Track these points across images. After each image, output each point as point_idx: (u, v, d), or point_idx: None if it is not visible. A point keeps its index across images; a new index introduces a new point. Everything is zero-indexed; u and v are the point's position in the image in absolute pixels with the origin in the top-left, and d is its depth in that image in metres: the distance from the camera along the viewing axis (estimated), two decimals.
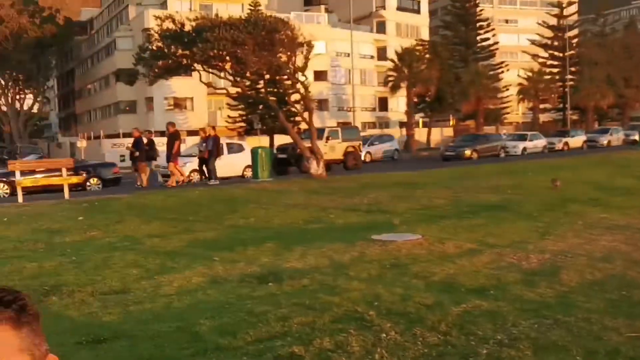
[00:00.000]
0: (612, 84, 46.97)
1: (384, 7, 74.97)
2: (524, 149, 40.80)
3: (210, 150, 21.40)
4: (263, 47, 19.62)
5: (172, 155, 20.87)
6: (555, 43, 73.47)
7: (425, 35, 76.39)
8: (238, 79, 22.67)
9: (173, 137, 21.03)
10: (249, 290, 6.75)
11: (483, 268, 7.58)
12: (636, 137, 44.44)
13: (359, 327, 5.36)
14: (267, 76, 26.45)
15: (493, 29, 77.52)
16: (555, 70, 71.18)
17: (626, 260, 7.90)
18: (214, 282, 7.24)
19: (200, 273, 7.68)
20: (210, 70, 22.85)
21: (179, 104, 59.95)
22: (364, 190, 17.46)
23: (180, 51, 21.62)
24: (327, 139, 30.37)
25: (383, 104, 73.77)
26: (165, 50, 21.87)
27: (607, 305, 6.01)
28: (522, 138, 43.27)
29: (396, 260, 8.08)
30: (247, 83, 42.20)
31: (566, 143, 44.96)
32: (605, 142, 47.42)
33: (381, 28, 74.82)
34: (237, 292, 6.73)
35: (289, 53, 20.49)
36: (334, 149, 30.34)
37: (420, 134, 65.12)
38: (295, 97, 27.18)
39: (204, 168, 22.16)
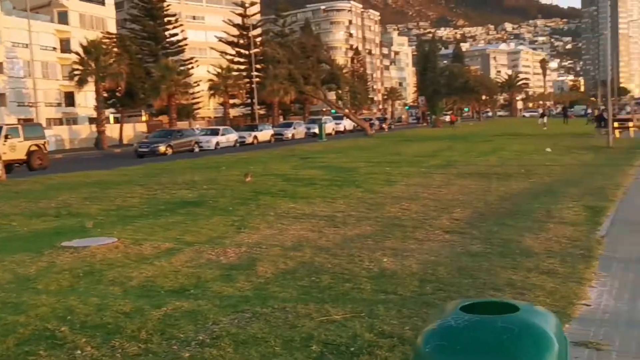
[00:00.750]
0: (294, 81, 50.59)
1: None
2: (217, 143, 41.82)
3: None
4: None
5: None
6: (241, 41, 76.74)
7: (112, 28, 74.07)
8: None
9: None
10: None
11: (182, 267, 7.49)
12: (316, 130, 48.43)
13: (49, 347, 4.90)
14: None
15: (181, 25, 78.12)
16: (242, 67, 74.37)
17: (313, 247, 8.46)
18: None
19: None
20: None
21: None
22: (52, 192, 16.24)
23: None
24: (6, 137, 27.74)
25: (70, 99, 69.75)
26: None
27: (300, 292, 6.35)
28: (215, 133, 44.29)
29: (90, 267, 7.60)
30: None
31: (255, 137, 47.20)
32: (290, 135, 50.89)
33: (63, 18, 70.56)
34: None
35: None
36: (14, 148, 27.81)
37: (112, 130, 62.92)
38: None
39: None
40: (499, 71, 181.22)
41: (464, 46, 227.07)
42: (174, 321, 5.45)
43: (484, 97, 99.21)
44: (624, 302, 6.07)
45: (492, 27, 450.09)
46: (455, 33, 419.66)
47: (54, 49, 68.25)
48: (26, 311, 5.83)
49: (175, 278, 6.99)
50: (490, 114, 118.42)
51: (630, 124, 38.82)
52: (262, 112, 77.14)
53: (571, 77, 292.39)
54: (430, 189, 14.60)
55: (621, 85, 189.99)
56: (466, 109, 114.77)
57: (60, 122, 67.54)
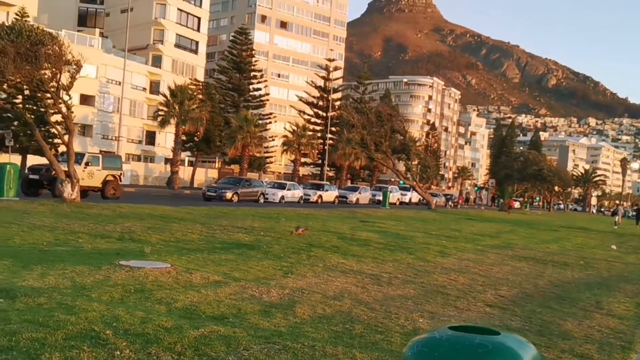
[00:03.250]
0: (365, 147, 51.39)
1: (162, 42, 74.54)
2: (282, 197, 42.63)
3: None
4: (26, 59, 18.46)
5: None
6: (320, 103, 78.65)
7: (200, 75, 77.22)
8: None
9: None
10: None
11: (226, 298, 7.85)
12: (381, 198, 48.74)
13: (93, 345, 5.29)
14: (28, 91, 24.74)
15: (266, 81, 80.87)
16: (318, 127, 75.97)
17: (354, 299, 8.70)
18: None
19: None
20: None
21: None
22: (119, 219, 17.03)
23: None
24: (87, 164, 29.14)
25: (151, 137, 72.60)
26: None
27: (331, 336, 6.60)
28: (282, 187, 45.22)
29: (141, 285, 8.06)
30: (3, 96, 39.23)
31: (320, 196, 47.88)
32: (354, 199, 51.32)
33: (157, 62, 74.15)
34: None
35: (54, 69, 19.48)
36: (92, 175, 29.14)
37: (185, 172, 65.00)
38: (56, 118, 25.73)
39: None
40: (576, 165, 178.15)
41: (543, 135, 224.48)
42: (208, 341, 5.78)
43: (557, 188, 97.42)
44: None
45: (574, 120, 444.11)
46: (536, 121, 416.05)
47: (144, 89, 71.57)
48: (77, 313, 6.28)
49: (218, 306, 7.35)
50: (562, 206, 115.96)
51: None
52: (331, 173, 78.15)
53: None
54: (482, 265, 14.61)
55: None
56: (537, 199, 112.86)
57: (138, 158, 70.24)
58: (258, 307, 7.58)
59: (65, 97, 21.04)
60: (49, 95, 20.85)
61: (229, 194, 37.44)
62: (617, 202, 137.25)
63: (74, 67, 20.00)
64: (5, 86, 33.87)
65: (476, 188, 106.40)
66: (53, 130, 25.76)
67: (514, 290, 11.29)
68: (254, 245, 13.66)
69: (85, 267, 8.88)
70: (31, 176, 28.02)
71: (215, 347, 5.64)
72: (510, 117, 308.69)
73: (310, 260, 12.16)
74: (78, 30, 66.70)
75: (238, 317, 6.96)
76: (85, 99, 62.79)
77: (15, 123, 42.30)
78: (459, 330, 2.43)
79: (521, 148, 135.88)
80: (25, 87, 22.32)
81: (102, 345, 5.34)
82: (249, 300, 7.93)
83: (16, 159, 44.23)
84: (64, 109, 20.81)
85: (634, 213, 73.53)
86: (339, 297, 8.79)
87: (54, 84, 20.15)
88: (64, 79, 20.63)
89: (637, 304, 11.06)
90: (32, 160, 40.75)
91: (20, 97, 41.52)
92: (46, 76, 19.94)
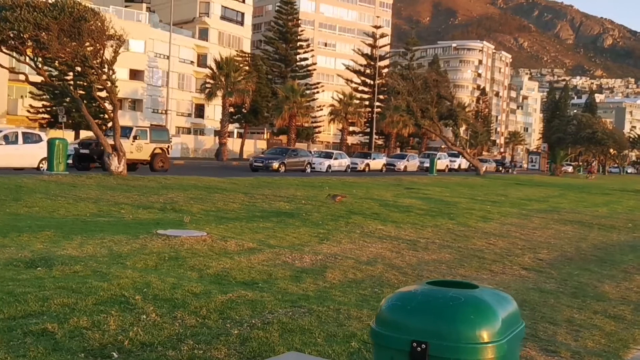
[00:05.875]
0: (411, 114, 50.88)
1: (207, 15, 74.91)
2: (329, 166, 42.70)
3: None
4: (69, 35, 18.83)
5: None
6: (368, 71, 77.99)
7: (246, 47, 77.43)
8: (40, 65, 21.43)
9: None
10: (14, 274, 6.56)
11: (258, 264, 7.98)
12: (428, 165, 48.38)
13: (121, 310, 5.48)
14: (79, 69, 25.26)
15: (312, 50, 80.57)
16: (365, 96, 75.51)
17: (386, 264, 8.73)
18: None
19: None
20: (8, 52, 21.35)
21: None
22: (163, 190, 17.37)
23: None
24: (135, 138, 29.71)
25: (200, 110, 73.46)
26: None
27: (359, 299, 6.66)
28: (328, 156, 45.28)
29: (176, 253, 8.25)
30: (55, 73, 40.19)
31: (367, 164, 47.78)
32: (402, 167, 51.06)
33: (203, 35, 74.64)
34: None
35: (97, 45, 19.81)
36: (140, 148, 29.71)
37: (233, 144, 65.66)
38: (103, 94, 26.22)
39: None
40: (634, 126, 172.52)
41: (599, 97, 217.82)
42: (234, 305, 5.91)
43: (612, 151, 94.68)
44: None
45: (632, 80, 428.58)
46: (592, 83, 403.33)
47: (192, 62, 72.22)
48: (110, 280, 6.49)
49: (249, 272, 7.48)
50: (618, 169, 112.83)
51: None
52: (379, 142, 77.76)
53: None
54: (524, 229, 14.43)
55: None
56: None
57: (188, 131, 71.18)
58: (289, 272, 7.68)
59: (109, 72, 21.41)
60: (93, 70, 21.23)
61: (275, 164, 37.69)
62: None
63: (116, 41, 20.29)
64: (56, 63, 34.82)
65: (528, 153, 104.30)
66: (103, 105, 26.27)
67: (554, 254, 11.14)
68: (293, 213, 13.78)
69: (124, 236, 9.13)
70: (82, 151, 28.75)
71: (241, 310, 5.76)
72: (564, 80, 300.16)
73: (348, 227, 12.21)
74: (125, 6, 67.50)
75: (268, 283, 7.07)
76: (135, 74, 63.80)
77: (67, 99, 43.32)
78: (438, 285, 2.44)
79: (575, 111, 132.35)
80: (75, 64, 22.81)
81: (130, 309, 5.52)
82: (281, 266, 8.05)
83: (70, 134, 45.46)
84: (107, 84, 21.21)
85: None
86: (372, 262, 8.83)
87: (98, 59, 20.51)
88: (108, 54, 20.98)
89: None
90: (84, 135, 41.73)
91: (71, 74, 42.54)
92: (88, 50, 20.28)
